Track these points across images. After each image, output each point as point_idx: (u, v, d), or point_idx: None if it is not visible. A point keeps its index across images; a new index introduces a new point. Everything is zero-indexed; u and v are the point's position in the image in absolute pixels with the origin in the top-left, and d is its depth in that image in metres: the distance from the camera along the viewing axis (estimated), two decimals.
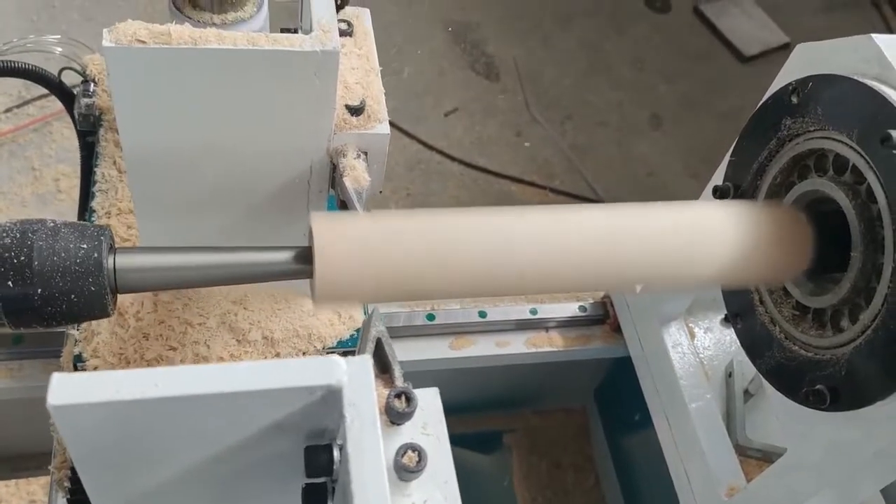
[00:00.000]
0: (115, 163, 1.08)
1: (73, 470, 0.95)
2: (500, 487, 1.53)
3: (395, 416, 0.58)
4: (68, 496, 0.95)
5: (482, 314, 1.30)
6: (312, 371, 0.52)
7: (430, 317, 1.27)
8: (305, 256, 0.68)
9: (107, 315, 0.66)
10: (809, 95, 0.83)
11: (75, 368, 0.91)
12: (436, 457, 0.57)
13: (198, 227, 0.86)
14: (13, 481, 1.51)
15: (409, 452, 0.56)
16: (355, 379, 0.53)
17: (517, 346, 1.32)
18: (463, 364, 1.29)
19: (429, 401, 0.60)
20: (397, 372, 0.61)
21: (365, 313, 0.99)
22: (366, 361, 0.54)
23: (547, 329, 1.34)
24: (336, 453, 0.55)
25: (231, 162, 0.81)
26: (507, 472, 1.54)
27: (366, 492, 0.49)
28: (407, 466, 0.55)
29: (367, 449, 0.51)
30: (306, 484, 0.59)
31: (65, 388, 0.49)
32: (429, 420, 0.59)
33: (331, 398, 0.53)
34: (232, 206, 0.85)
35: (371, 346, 0.61)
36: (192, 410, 0.52)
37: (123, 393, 0.49)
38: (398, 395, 0.58)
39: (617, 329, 1.34)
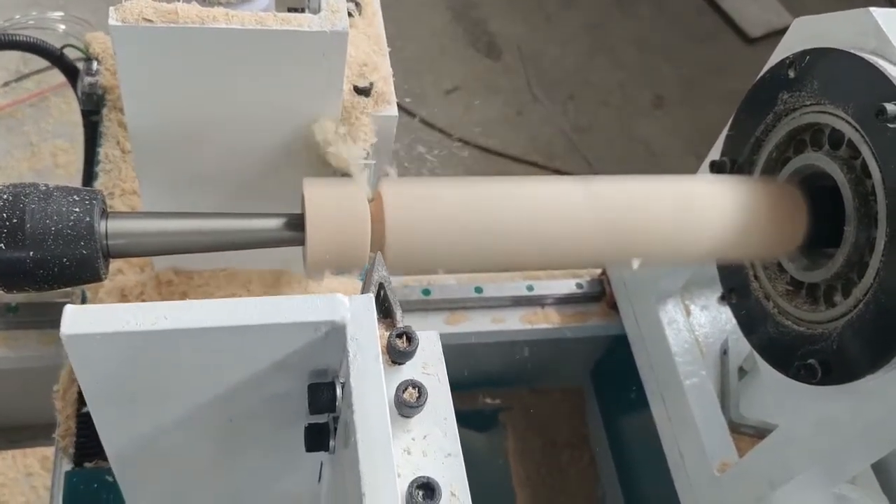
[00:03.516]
0: (118, 143, 1.09)
1: (77, 438, 0.96)
2: (495, 465, 1.54)
3: (396, 356, 0.59)
4: (74, 462, 0.96)
5: (478, 290, 1.30)
6: (317, 308, 0.54)
7: (426, 292, 1.27)
8: (297, 223, 0.68)
9: (99, 279, 0.66)
10: (806, 69, 0.83)
11: None
12: (436, 395, 0.58)
13: (203, 206, 0.87)
14: (9, 453, 1.52)
15: (410, 389, 0.57)
16: (358, 316, 0.55)
17: (513, 322, 1.32)
18: (458, 340, 1.29)
19: (429, 343, 0.61)
20: (398, 315, 0.61)
21: (361, 279, 1.00)
22: (369, 300, 0.56)
23: (543, 306, 1.34)
24: (338, 391, 0.57)
25: (237, 142, 0.81)
26: (501, 451, 1.55)
27: (368, 423, 0.51)
28: (407, 402, 0.56)
29: (369, 382, 0.52)
30: (309, 423, 0.61)
31: (77, 319, 0.51)
32: (429, 360, 0.60)
33: (334, 335, 0.55)
34: (238, 186, 0.85)
35: (374, 289, 0.62)
36: (199, 344, 0.53)
37: (133, 324, 0.51)
38: (399, 336, 0.59)
39: (613, 306, 1.34)
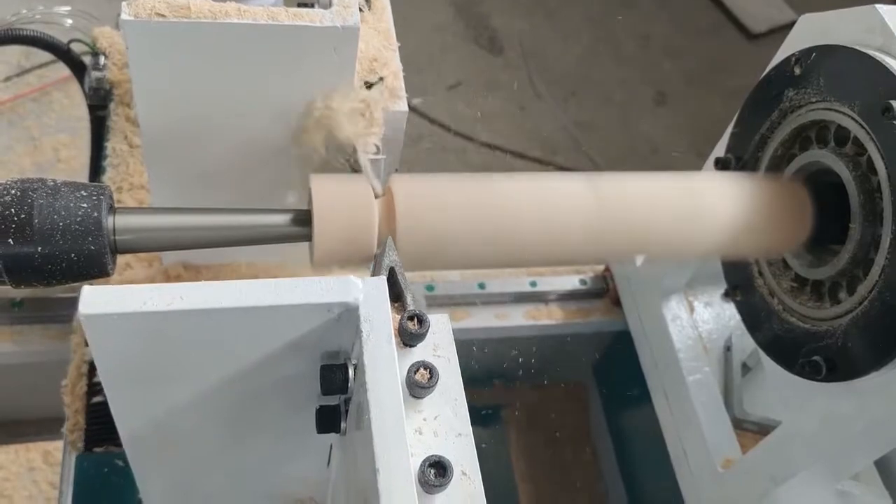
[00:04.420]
0: (125, 137, 1.09)
1: (87, 427, 0.97)
2: (497, 461, 1.54)
3: (407, 338, 0.59)
4: (84, 448, 0.97)
5: (481, 286, 1.30)
6: (330, 289, 0.55)
7: (430, 287, 1.27)
8: (304, 219, 0.69)
9: (107, 275, 0.66)
10: (812, 66, 0.83)
11: (86, 344, 0.92)
12: (447, 376, 0.58)
13: (211, 201, 0.87)
14: (12, 447, 1.52)
15: (422, 370, 0.57)
16: (371, 298, 0.56)
17: (516, 318, 1.32)
18: (461, 336, 1.28)
19: (440, 326, 0.61)
20: (409, 299, 0.62)
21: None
22: (381, 281, 0.57)
23: (546, 302, 1.34)
24: (350, 372, 0.58)
25: (247, 137, 0.81)
26: (504, 446, 1.55)
27: (381, 402, 0.51)
28: (419, 382, 0.56)
29: (382, 362, 0.53)
30: (320, 405, 0.62)
31: (95, 299, 0.51)
32: (440, 343, 0.60)
33: (347, 316, 0.56)
34: (247, 182, 0.86)
35: (385, 272, 0.62)
36: (214, 324, 0.54)
37: (150, 305, 0.52)
38: (411, 318, 0.59)
39: (616, 302, 1.34)
